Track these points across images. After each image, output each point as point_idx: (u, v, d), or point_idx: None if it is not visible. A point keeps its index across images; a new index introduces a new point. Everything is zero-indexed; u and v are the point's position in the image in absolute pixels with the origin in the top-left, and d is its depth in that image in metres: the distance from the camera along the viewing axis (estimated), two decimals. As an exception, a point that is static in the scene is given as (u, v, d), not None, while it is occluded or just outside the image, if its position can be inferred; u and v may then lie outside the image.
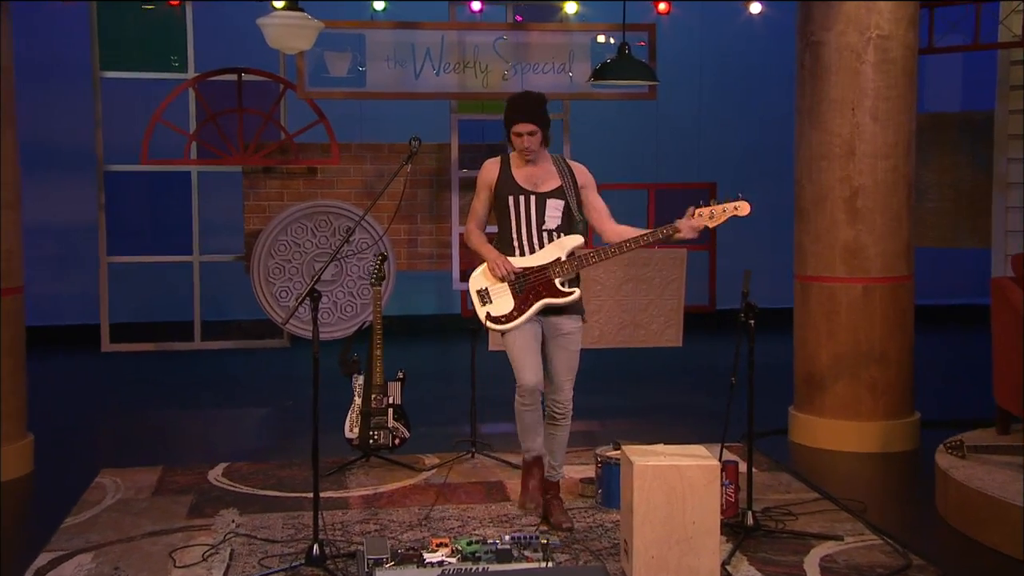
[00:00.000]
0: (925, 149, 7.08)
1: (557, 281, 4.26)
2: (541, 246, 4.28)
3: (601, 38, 7.42)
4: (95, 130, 7.70)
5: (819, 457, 5.59)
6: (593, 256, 4.24)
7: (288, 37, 5.82)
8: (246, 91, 7.56)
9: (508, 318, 4.26)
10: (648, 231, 4.25)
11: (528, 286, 4.26)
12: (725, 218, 4.22)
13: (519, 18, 7.77)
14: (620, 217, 8.85)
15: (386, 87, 7.12)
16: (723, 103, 9.98)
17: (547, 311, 4.28)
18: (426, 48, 7.11)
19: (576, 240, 4.31)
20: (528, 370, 4.23)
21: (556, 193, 4.28)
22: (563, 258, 4.26)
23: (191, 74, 7.72)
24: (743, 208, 4.19)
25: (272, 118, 7.61)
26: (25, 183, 5.42)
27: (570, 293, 4.27)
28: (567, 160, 4.39)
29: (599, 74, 6.39)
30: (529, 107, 4.21)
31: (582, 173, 4.37)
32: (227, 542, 4.22)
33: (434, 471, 5.25)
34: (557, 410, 4.41)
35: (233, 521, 4.46)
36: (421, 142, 4.36)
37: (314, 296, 3.91)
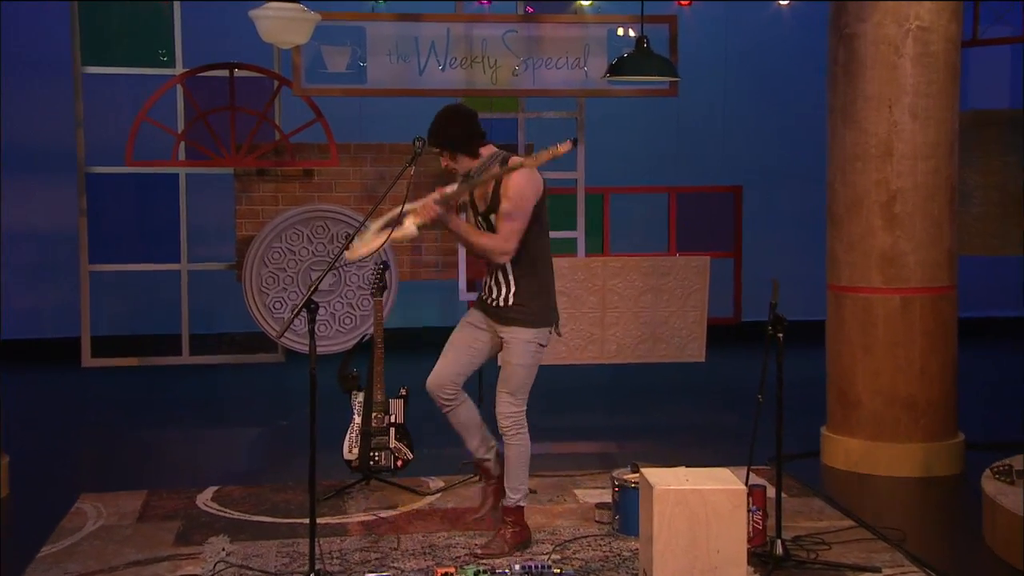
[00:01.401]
0: (969, 149, 7.04)
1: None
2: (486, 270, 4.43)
3: (619, 31, 7.43)
4: (76, 130, 7.72)
5: (854, 481, 5.56)
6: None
7: (283, 30, 5.84)
8: (238, 88, 7.58)
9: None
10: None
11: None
12: (546, 157, 4.09)
13: (530, 9, 7.78)
14: (640, 223, 8.87)
15: (388, 83, 7.13)
16: (749, 101, 9.97)
17: (490, 317, 4.45)
18: (431, 42, 7.12)
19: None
20: (437, 365, 4.55)
21: (488, 211, 4.38)
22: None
23: (180, 70, 7.75)
24: (563, 146, 4.06)
25: (266, 117, 7.63)
26: (1, 188, 5.44)
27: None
28: (511, 166, 4.29)
29: (616, 69, 6.39)
30: (433, 129, 4.35)
31: (507, 189, 4.28)
32: (217, 572, 4.22)
33: (439, 495, 5.24)
34: (498, 424, 4.48)
35: (223, 549, 4.45)
36: (425, 143, 4.37)
37: (310, 307, 3.91)
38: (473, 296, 7.61)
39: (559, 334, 4.57)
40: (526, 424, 4.49)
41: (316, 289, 4.05)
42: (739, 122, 9.95)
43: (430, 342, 9.49)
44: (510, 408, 4.44)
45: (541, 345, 4.44)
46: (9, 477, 5.37)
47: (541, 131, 8.27)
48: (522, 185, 4.29)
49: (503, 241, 4.31)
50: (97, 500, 5.20)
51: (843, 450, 5.75)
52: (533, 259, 4.40)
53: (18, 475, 5.45)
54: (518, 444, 4.46)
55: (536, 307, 4.40)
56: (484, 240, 4.36)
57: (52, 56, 8.62)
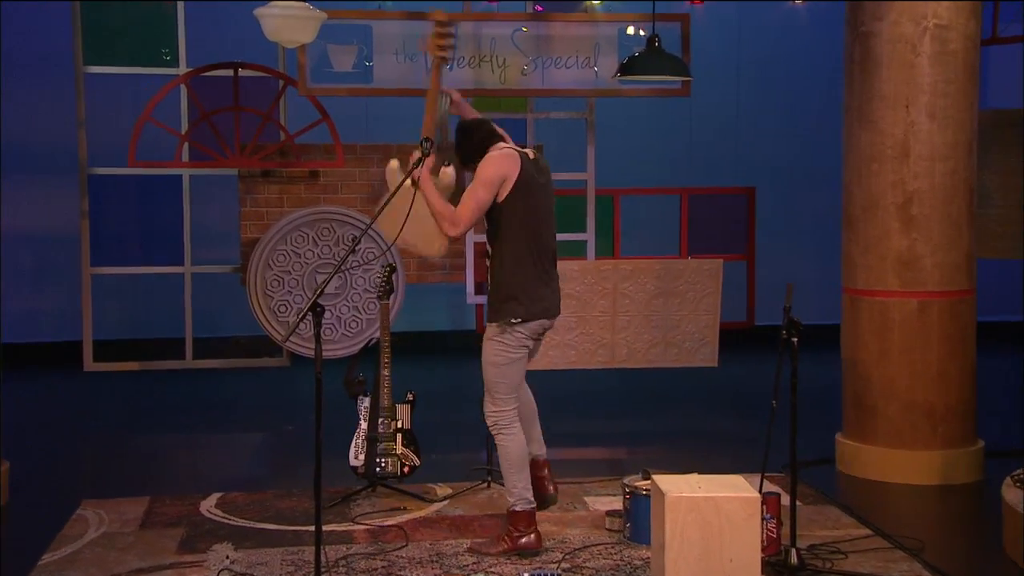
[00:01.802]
0: (988, 149, 7.02)
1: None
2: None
3: (630, 30, 7.43)
4: (78, 130, 7.75)
5: (870, 489, 5.55)
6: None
7: (288, 29, 5.85)
8: (243, 88, 7.60)
9: None
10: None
11: None
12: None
13: (539, 8, 7.79)
14: (651, 225, 8.84)
15: (395, 83, 7.13)
16: (763, 100, 9.96)
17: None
18: (438, 40, 7.12)
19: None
20: None
21: None
22: None
23: (183, 69, 7.77)
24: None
25: (271, 117, 7.65)
26: (1, 189, 5.46)
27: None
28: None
29: (627, 69, 6.40)
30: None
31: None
32: (220, 580, 4.23)
33: (446, 502, 5.24)
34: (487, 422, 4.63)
35: (227, 557, 4.46)
36: (433, 144, 4.38)
37: (316, 311, 3.92)
38: (481, 299, 7.62)
39: (520, 331, 4.44)
40: (511, 426, 4.50)
41: (322, 292, 4.05)
42: (752, 122, 9.94)
43: (437, 346, 9.58)
44: (488, 408, 4.55)
45: (502, 342, 4.43)
46: (9, 484, 5.39)
47: (550, 131, 8.28)
48: (484, 165, 4.46)
49: (455, 212, 4.42)
50: (99, 507, 5.21)
51: (859, 457, 5.74)
52: (499, 255, 4.46)
53: (19, 481, 5.47)
54: (500, 445, 4.53)
55: (497, 303, 4.46)
56: (440, 206, 4.43)
57: (54, 55, 8.65)
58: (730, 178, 9.23)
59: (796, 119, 9.88)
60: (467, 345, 8.27)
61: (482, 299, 7.57)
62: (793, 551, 4.24)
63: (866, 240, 5.71)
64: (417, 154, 4.42)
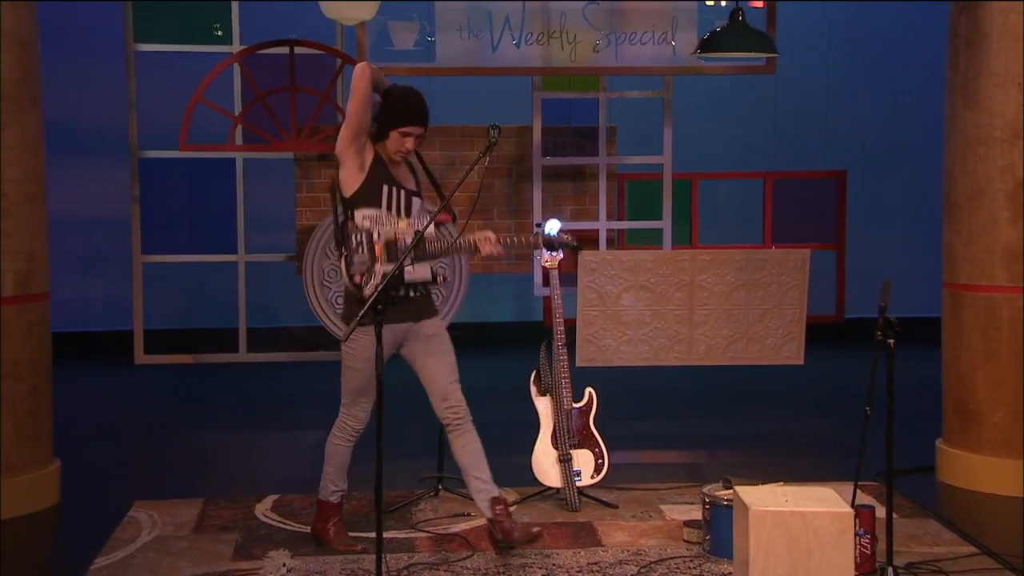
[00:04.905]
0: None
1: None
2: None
3: (710, 2, 7.34)
4: (128, 111, 7.86)
5: (975, 501, 5.44)
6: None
7: (347, 6, 5.88)
8: (299, 67, 7.65)
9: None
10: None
11: None
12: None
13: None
14: (732, 211, 8.75)
15: (458, 61, 7.13)
16: (855, 77, 9.80)
17: (405, 317, 4.61)
18: (505, 16, 7.10)
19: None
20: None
21: (415, 192, 4.70)
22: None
23: (236, 47, 7.83)
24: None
25: (329, 98, 7.69)
26: (49, 172, 5.55)
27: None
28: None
29: (708, 45, 6.31)
30: (426, 110, 4.61)
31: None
32: (277, 589, 4.27)
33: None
34: (458, 415, 4.67)
35: (284, 565, 4.49)
36: (501, 130, 4.36)
37: (377, 309, 3.91)
38: (547, 291, 7.59)
39: None
40: None
41: (380, 290, 4.04)
42: (843, 101, 9.79)
43: (502, 339, 9.58)
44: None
45: None
46: (61, 483, 5.48)
47: (624, 112, 8.22)
48: None
49: None
50: (151, 508, 5.29)
51: (962, 466, 5.62)
52: None
53: (69, 480, 5.56)
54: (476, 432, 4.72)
55: None
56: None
57: (102, 33, 8.77)
58: (818, 161, 9.10)
59: (892, 98, 9.71)
60: (534, 337, 8.26)
61: (547, 291, 7.54)
62: (890, 570, 4.18)
63: (970, 230, 5.58)
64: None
